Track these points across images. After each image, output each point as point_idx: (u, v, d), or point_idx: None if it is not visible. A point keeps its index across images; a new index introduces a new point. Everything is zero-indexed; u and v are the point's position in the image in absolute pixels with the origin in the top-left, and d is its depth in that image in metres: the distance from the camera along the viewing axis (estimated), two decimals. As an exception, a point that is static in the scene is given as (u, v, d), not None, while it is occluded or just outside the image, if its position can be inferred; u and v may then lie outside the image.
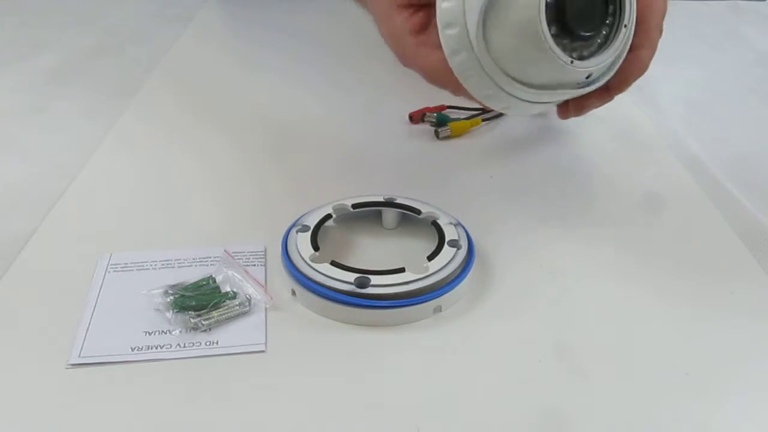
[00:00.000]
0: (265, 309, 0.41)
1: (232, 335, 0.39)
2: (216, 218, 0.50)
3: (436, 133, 0.60)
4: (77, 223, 0.49)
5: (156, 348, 0.38)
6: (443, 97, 0.63)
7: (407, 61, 0.46)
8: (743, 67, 0.80)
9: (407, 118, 0.63)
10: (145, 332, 0.39)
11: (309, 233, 0.44)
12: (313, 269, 0.41)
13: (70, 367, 0.37)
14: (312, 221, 0.45)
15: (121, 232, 0.48)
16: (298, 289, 0.41)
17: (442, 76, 0.43)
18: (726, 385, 0.37)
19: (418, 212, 0.47)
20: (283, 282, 0.43)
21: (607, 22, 0.41)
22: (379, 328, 0.40)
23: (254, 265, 0.44)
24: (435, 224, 0.45)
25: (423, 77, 0.46)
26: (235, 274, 0.42)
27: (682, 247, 0.48)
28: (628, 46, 0.43)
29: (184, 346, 0.38)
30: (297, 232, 0.44)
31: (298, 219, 0.46)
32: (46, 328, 0.39)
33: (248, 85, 0.72)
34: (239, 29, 0.93)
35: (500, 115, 0.63)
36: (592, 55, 0.41)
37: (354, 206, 0.47)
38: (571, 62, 0.39)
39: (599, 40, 0.41)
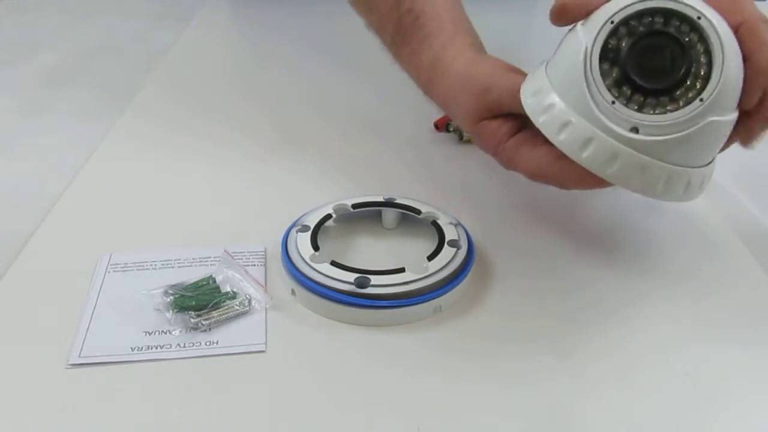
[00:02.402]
0: (265, 309, 0.41)
1: (232, 335, 0.39)
2: (216, 218, 0.50)
3: (460, 136, 0.60)
4: (77, 223, 0.49)
5: (156, 348, 0.38)
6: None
7: (510, 166, 0.44)
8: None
9: (412, 121, 0.63)
10: (145, 332, 0.39)
11: (309, 233, 0.44)
12: (313, 269, 0.41)
13: (70, 367, 0.37)
14: (312, 221, 0.45)
15: (121, 232, 0.48)
16: (298, 289, 0.41)
17: (553, 172, 0.41)
18: (726, 386, 0.37)
19: (418, 212, 0.47)
20: (283, 282, 0.43)
21: (690, 94, 0.36)
22: (379, 328, 0.40)
23: (254, 265, 0.44)
24: (435, 224, 0.45)
25: (529, 178, 0.43)
26: (235, 274, 0.42)
27: (681, 246, 0.48)
28: (701, 123, 0.36)
29: (184, 346, 0.38)
30: (297, 232, 0.44)
31: (298, 219, 0.46)
32: (46, 328, 0.39)
33: (248, 86, 0.72)
34: (241, 29, 0.93)
35: None
36: (652, 112, 0.36)
37: (354, 206, 0.47)
38: (612, 103, 0.36)
39: (671, 107, 0.36)
